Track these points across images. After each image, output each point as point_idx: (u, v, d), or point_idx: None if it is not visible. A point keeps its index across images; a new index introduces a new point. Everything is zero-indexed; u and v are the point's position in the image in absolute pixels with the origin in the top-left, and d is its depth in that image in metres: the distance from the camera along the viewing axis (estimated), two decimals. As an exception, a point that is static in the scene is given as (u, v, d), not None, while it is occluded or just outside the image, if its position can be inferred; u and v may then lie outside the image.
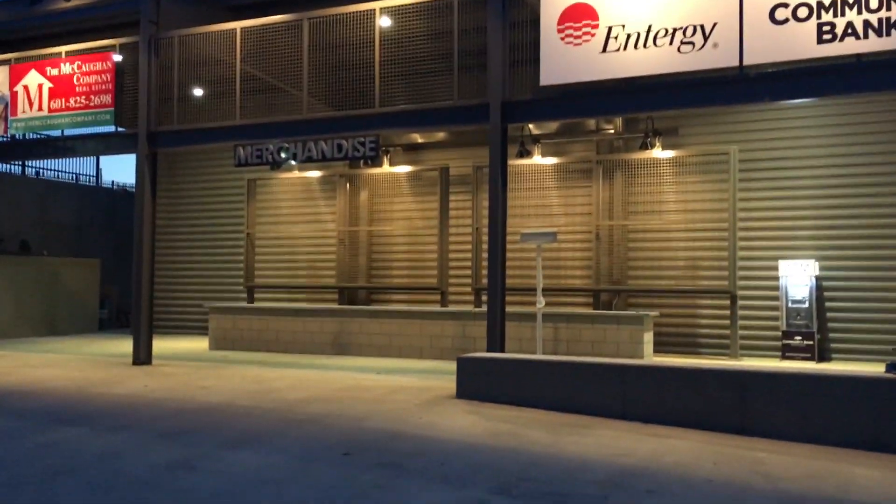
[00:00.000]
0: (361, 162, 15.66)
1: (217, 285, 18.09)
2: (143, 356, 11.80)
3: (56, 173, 21.03)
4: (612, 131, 14.06)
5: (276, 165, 11.01)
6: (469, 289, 14.95)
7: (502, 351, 9.64)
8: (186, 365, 11.88)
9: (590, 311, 12.16)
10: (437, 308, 13.18)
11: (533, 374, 8.26)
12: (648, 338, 11.48)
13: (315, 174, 15.96)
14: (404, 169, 15.19)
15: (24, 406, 8.26)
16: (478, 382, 8.56)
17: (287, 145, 10.93)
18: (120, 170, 67.11)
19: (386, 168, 15.28)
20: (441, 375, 10.64)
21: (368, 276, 15.86)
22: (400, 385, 9.72)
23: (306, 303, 16.68)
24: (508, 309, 12.89)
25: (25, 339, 16.44)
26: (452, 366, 11.59)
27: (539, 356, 8.61)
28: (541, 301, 11.61)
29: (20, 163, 19.98)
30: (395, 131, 10.31)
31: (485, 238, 14.55)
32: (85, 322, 18.67)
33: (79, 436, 6.84)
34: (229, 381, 9.98)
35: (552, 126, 14.45)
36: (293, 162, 10.87)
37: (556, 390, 8.09)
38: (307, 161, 10.95)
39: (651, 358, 11.53)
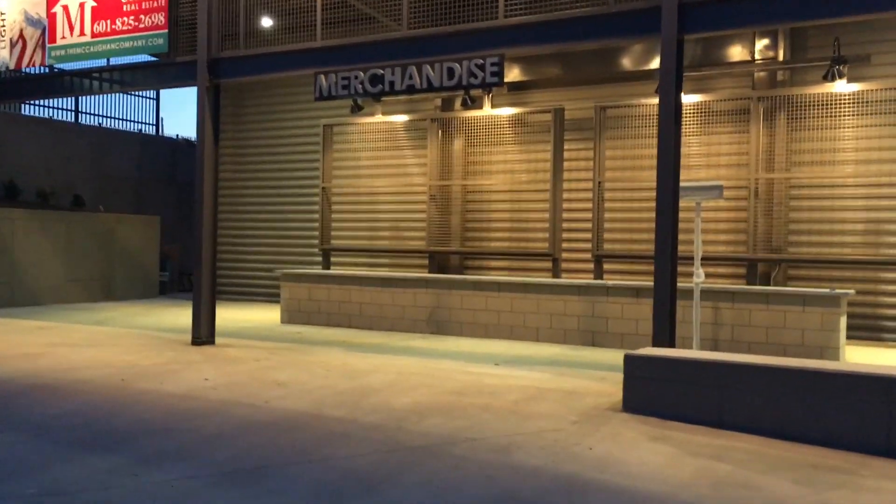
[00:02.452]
0: (459, 102, 13.25)
1: (288, 247, 15.98)
2: (204, 334, 9.70)
3: (113, 121, 19.14)
4: (778, 59, 11.28)
5: (371, 97, 8.64)
6: (587, 256, 12.47)
7: (672, 342, 7.17)
8: (255, 346, 9.74)
9: (764, 288, 9.57)
10: (561, 280, 10.74)
11: (742, 384, 5.79)
12: (843, 323, 8.86)
13: (401, 118, 13.58)
14: (508, 111, 12.69)
15: (43, 412, 6.16)
16: (655, 391, 6.14)
17: (381, 71, 8.53)
18: (182, 122, 65.88)
19: (486, 110, 12.80)
20: (579, 369, 8.23)
21: (462, 239, 13.50)
22: (533, 384, 7.35)
23: (389, 268, 14.45)
24: (646, 282, 10.40)
25: (77, 306, 14.62)
26: (583, 353, 9.18)
27: (751, 358, 6.11)
28: (699, 274, 9.06)
29: (72, 109, 18.12)
30: (526, 49, 7.90)
31: (609, 195, 12.12)
32: (144, 285, 16.84)
33: (107, 472, 4.66)
34: (310, 374, 7.77)
35: (693, 52, 11.71)
36: (389, 91, 8.48)
37: (780, 410, 5.62)
38: (408, 92, 8.55)
39: (844, 349, 8.91)
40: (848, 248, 10.99)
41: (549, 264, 12.53)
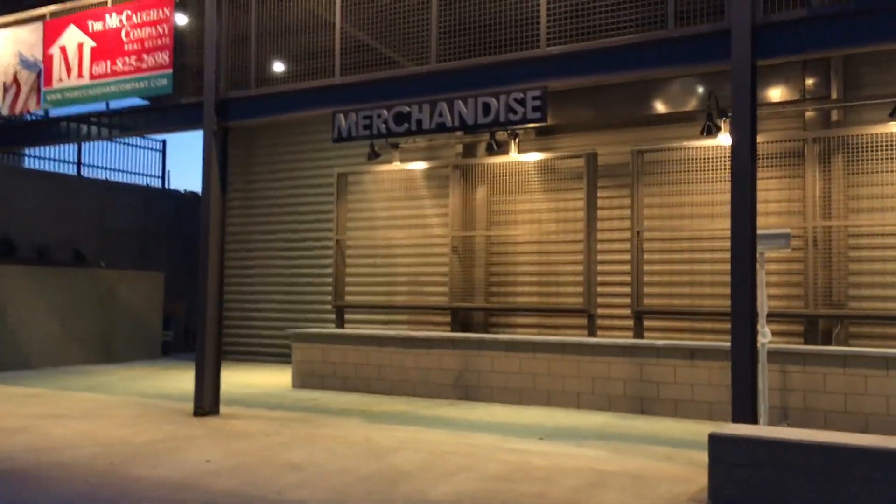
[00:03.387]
0: (483, 148, 12.41)
1: (300, 304, 15.01)
2: (207, 403, 8.67)
3: (117, 174, 18.37)
4: (831, 97, 10.42)
5: (396, 136, 7.77)
6: (625, 312, 11.44)
7: (755, 417, 6.11)
8: (265, 416, 8.69)
9: (840, 349, 8.51)
10: (604, 340, 9.70)
11: (862, 472, 4.73)
12: (935, 389, 7.79)
13: (420, 166, 12.73)
14: (536, 157, 11.82)
15: (12, 506, 5.12)
16: (749, 479, 5.06)
17: (407, 108, 7.66)
18: (189, 174, 65.36)
19: (512, 156, 11.94)
20: (637, 444, 7.14)
21: (487, 294, 12.50)
22: (589, 465, 6.27)
23: (407, 326, 13.44)
24: (700, 342, 9.37)
25: (72, 368, 13.60)
26: (634, 423, 8.07)
27: (874, 440, 5.05)
28: (765, 332, 8.04)
29: (75, 161, 17.37)
30: (571, 81, 7.00)
31: (648, 245, 11.15)
32: (146, 345, 15.83)
33: None
34: (329, 453, 6.70)
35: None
36: (417, 130, 7.59)
37: (914, 504, 4.55)
38: (438, 130, 7.65)
39: (935, 418, 7.82)
40: (917, 301, 9.95)
41: (583, 321, 11.49)
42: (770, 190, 10.80)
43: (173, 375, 12.54)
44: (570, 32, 7.16)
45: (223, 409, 8.95)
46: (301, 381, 11.33)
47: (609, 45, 6.86)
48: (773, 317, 10.36)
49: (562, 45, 7.08)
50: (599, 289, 11.48)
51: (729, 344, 8.88)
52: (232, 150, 15.86)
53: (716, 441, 5.24)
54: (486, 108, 7.28)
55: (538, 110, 7.02)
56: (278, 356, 14.72)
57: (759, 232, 8.29)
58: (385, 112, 7.77)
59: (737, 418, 5.97)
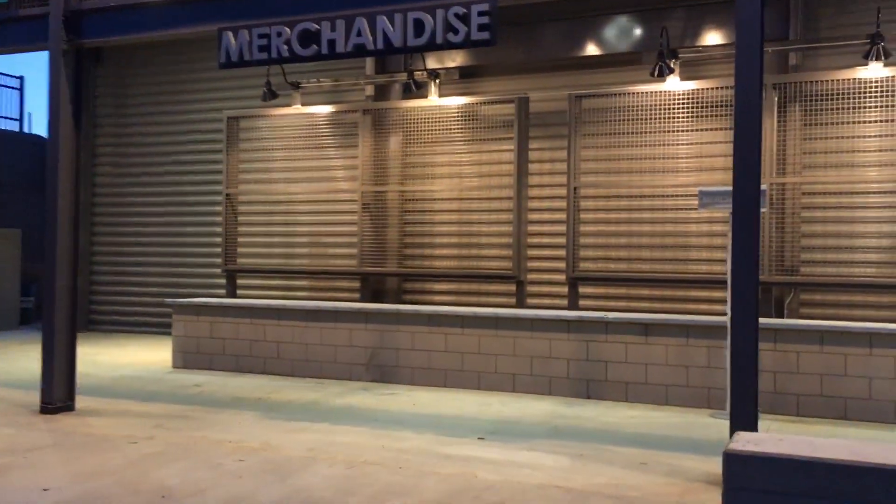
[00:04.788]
0: (399, 90, 10.84)
1: (185, 267, 13.12)
2: (58, 397, 6.86)
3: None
4: (791, 39, 9.37)
5: (300, 61, 6.11)
6: (558, 277, 10.24)
7: (755, 423, 4.90)
8: (134, 412, 6.98)
9: (817, 324, 7.45)
10: (546, 313, 8.38)
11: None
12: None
13: (325, 110, 11.02)
14: (459, 101, 10.33)
15: None
16: (777, 509, 3.86)
17: (316, 26, 6.01)
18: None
19: (432, 100, 10.40)
20: (598, 444, 5.87)
21: (401, 258, 11.03)
22: (553, 482, 4.95)
23: (310, 293, 11.83)
24: (657, 315, 8.23)
25: None
26: (585, 412, 6.74)
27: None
28: (734, 305, 6.93)
29: None
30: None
31: (584, 203, 9.92)
32: (0, 314, 13.59)
33: None
34: (214, 470, 5.13)
35: (681, 32, 9.74)
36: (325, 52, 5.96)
37: None
38: (356, 54, 6.04)
39: (918, 401, 6.92)
40: (874, 267, 9.13)
41: (511, 288, 10.22)
42: (717, 143, 9.73)
43: (28, 353, 10.51)
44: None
45: (82, 401, 7.17)
46: (184, 361, 9.58)
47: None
48: (718, 284, 9.41)
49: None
50: (529, 252, 10.21)
51: (690, 318, 7.87)
52: (101, 88, 13.74)
53: (733, 462, 3.98)
54: (419, 27, 5.71)
55: (486, 29, 5.52)
56: (160, 327, 12.83)
57: (725, 188, 7.18)
58: (287, 30, 6.09)
59: (737, 424, 4.75)
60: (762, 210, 6.81)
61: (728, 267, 7.03)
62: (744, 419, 4.76)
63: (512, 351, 8.12)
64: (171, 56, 13.11)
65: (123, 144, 13.63)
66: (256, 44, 6.18)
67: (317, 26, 6.01)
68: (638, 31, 10.05)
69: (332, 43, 5.99)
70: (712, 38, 9.87)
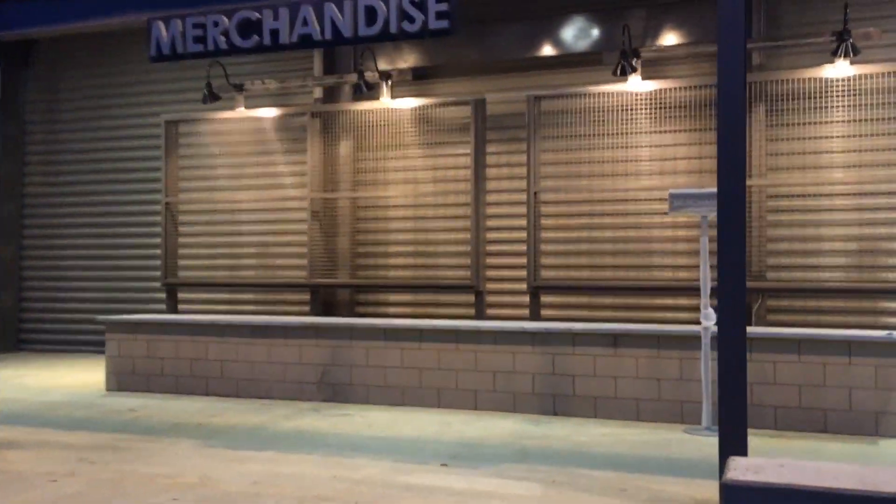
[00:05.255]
0: (350, 91, 10.34)
1: (122, 281, 12.36)
2: (-29, 429, 6.16)
3: None
4: (753, 38, 9.09)
5: (239, 53, 5.56)
6: (518, 287, 9.81)
7: (744, 432, 4.46)
8: (58, 442, 6.30)
9: (793, 332, 7.11)
10: (509, 324, 7.89)
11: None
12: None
13: (270, 113, 10.42)
14: (413, 103, 9.84)
15: None
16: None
17: (258, 14, 5.46)
18: None
19: (384, 102, 9.89)
20: (569, 468, 5.40)
21: (353, 268, 10.48)
22: (526, 513, 4.48)
23: (257, 307, 11.20)
24: (628, 326, 7.84)
25: None
26: (553, 431, 6.23)
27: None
28: (708, 314, 6.57)
29: None
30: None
31: (545, 209, 9.50)
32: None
33: None
34: (145, 511, 4.53)
35: (643, 29, 9.43)
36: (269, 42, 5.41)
37: None
38: (302, 45, 5.49)
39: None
40: (842, 271, 8.89)
41: (470, 298, 9.73)
42: (680, 145, 9.42)
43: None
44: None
45: (0, 429, 6.47)
46: (118, 383, 8.86)
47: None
48: (687, 291, 9.07)
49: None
50: (488, 260, 9.75)
51: (661, 328, 7.46)
52: (30, 93, 12.93)
53: (735, 493, 3.53)
54: (371, 14, 5.21)
55: (445, 17, 5.04)
56: (96, 345, 12.00)
57: (697, 190, 6.84)
58: (225, 20, 5.54)
59: (727, 447, 4.32)
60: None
61: (702, 273, 6.69)
62: (734, 441, 4.33)
63: (473, 366, 7.63)
64: (105, 57, 12.38)
65: (55, 152, 12.82)
66: (191, 34, 5.61)
67: (258, 15, 5.48)
68: (597, 31, 9.70)
69: (275, 33, 5.46)
70: (673, 37, 9.58)
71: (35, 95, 12.94)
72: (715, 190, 6.57)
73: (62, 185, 12.74)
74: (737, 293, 4.43)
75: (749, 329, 7.37)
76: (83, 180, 12.58)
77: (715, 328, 6.55)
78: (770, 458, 4.06)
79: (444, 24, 5.04)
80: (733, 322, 4.43)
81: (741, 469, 3.70)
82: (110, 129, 12.43)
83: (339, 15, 5.27)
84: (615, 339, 7.21)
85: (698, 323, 6.72)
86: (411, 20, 5.10)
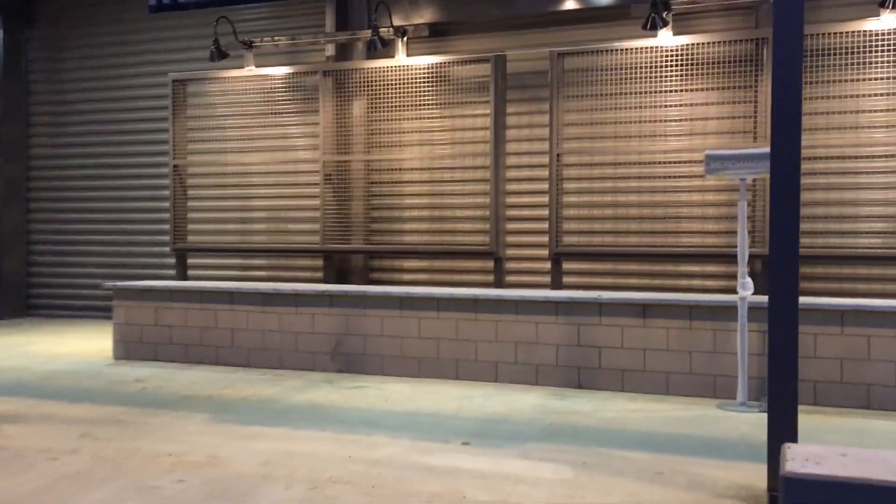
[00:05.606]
0: (362, 48, 9.89)
1: (130, 246, 12.08)
2: (-30, 401, 5.89)
3: None
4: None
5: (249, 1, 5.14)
6: (538, 253, 9.45)
7: (795, 416, 4.10)
8: (62, 416, 6.03)
9: (837, 302, 6.64)
10: (532, 293, 7.52)
11: None
12: (951, 351, 6.17)
13: (281, 71, 9.99)
14: (429, 61, 9.39)
15: None
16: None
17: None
18: None
19: (399, 59, 9.45)
20: (600, 447, 5.07)
21: (367, 233, 10.12)
22: (561, 502, 4.15)
23: (268, 273, 10.89)
24: (657, 294, 7.46)
25: None
26: (579, 405, 5.91)
27: None
28: (746, 283, 6.18)
29: None
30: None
31: (568, 172, 9.08)
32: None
33: None
34: (146, 497, 4.23)
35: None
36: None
37: None
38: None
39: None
40: (880, 238, 8.43)
41: (488, 265, 9.39)
42: (710, 104, 8.92)
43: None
44: None
45: (1, 403, 6.21)
46: (126, 351, 8.60)
47: None
48: (718, 258, 8.67)
49: None
50: (508, 226, 9.38)
51: (694, 297, 7.06)
52: (33, 52, 12.56)
53: (797, 487, 3.17)
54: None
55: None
56: (104, 311, 11.80)
57: (740, 151, 6.38)
58: (230, -35, 5.10)
59: (776, 429, 3.96)
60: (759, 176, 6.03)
61: (740, 240, 6.28)
62: (784, 425, 3.97)
63: (494, 336, 7.28)
64: (109, 14, 11.95)
65: (60, 113, 12.47)
66: (193, -18, 5.18)
67: (265, -41, 5.03)
68: (625, -18, 9.16)
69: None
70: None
71: (38, 54, 12.55)
72: (755, 150, 6.17)
73: (69, 147, 12.40)
74: (790, 263, 4.03)
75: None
76: (89, 142, 12.24)
77: (753, 298, 6.20)
78: (828, 447, 3.70)
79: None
80: (785, 294, 4.04)
81: (800, 459, 3.34)
82: (116, 90, 12.06)
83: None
84: (644, 309, 6.83)
85: (732, 292, 6.34)
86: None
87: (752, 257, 6.95)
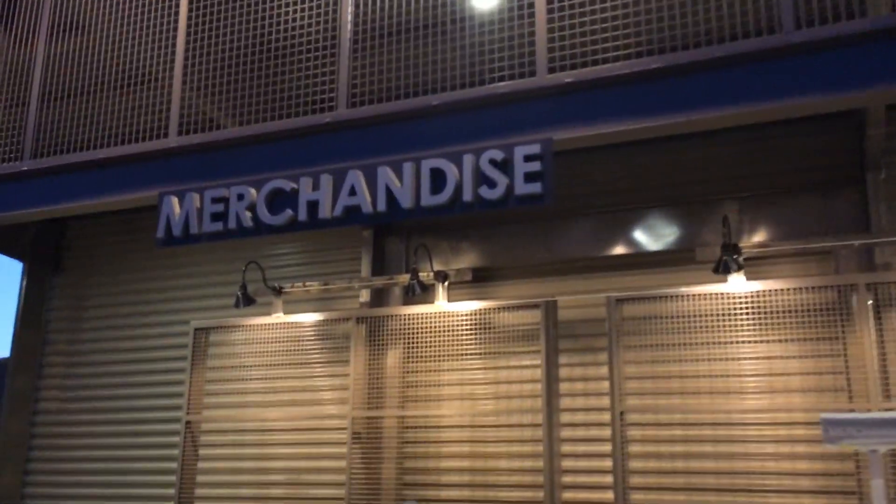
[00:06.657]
0: (401, 293, 9.19)
1: (131, 500, 10.70)
2: None
3: None
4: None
5: (269, 233, 4.39)
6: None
7: None
8: None
9: None
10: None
11: None
12: None
13: (311, 318, 9.21)
14: (472, 306, 8.57)
15: None
16: None
17: (292, 184, 4.35)
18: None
19: (439, 305, 8.67)
20: None
21: (397, 491, 8.73)
22: None
23: (283, 549, 9.36)
24: None
25: None
26: None
27: None
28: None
29: None
30: (596, 128, 3.89)
31: (633, 432, 7.86)
32: None
33: None
34: None
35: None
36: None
37: None
38: (347, 220, 4.33)
39: None
40: None
41: (542, 542, 7.87)
42: (791, 357, 7.86)
43: None
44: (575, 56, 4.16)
45: None
46: None
47: (674, 64, 3.83)
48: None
49: (576, 69, 4.03)
50: (564, 495, 7.99)
51: None
52: (57, 300, 12.03)
53: None
54: (439, 179, 4.04)
55: (537, 179, 3.83)
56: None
57: (861, 416, 5.21)
58: (252, 191, 4.44)
59: None
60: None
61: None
62: None
63: None
64: (135, 262, 11.54)
65: (73, 364, 11.67)
66: (209, 210, 4.50)
67: (294, 185, 4.37)
68: (684, 226, 8.56)
69: (313, 206, 4.33)
70: (768, 233, 8.38)
71: (61, 303, 12.04)
72: (888, 415, 5.01)
73: (77, 401, 11.45)
74: None
75: None
76: (99, 395, 11.30)
77: None
78: None
79: (535, 187, 3.83)
80: None
81: None
82: (134, 339, 11.29)
83: (395, 180, 4.11)
84: None
85: None
86: (492, 184, 3.91)
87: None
